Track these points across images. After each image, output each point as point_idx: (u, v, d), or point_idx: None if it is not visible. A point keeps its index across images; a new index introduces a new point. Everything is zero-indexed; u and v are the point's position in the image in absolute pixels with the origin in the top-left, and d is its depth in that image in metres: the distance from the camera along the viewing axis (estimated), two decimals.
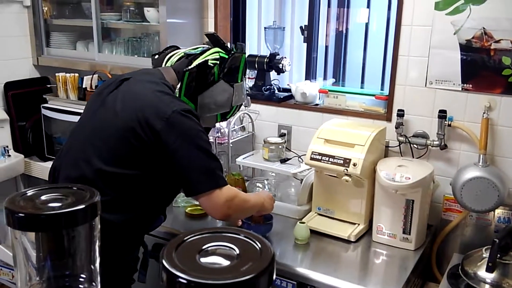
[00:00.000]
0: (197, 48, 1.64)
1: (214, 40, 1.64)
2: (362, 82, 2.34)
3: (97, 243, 0.65)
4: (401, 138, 1.97)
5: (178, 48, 1.71)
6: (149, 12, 2.37)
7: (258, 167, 2.16)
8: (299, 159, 2.10)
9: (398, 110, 1.96)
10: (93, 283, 0.66)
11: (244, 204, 1.58)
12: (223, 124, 2.17)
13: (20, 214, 0.58)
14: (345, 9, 2.33)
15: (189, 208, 2.04)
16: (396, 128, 1.97)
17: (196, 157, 1.41)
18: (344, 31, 2.36)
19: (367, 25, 2.30)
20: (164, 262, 0.47)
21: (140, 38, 2.54)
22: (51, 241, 0.63)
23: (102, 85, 1.64)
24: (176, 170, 1.42)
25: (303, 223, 1.81)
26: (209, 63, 1.53)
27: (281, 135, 2.27)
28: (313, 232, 1.83)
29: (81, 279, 0.65)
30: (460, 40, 1.84)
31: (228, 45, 1.69)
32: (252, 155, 2.21)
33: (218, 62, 1.56)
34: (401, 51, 1.96)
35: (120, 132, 1.40)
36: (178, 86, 1.52)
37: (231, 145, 2.19)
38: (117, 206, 1.42)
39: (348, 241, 1.81)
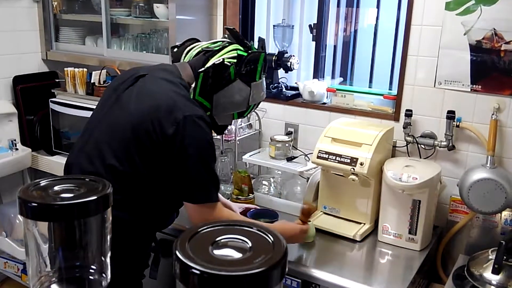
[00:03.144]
0: (216, 42, 1.60)
1: (234, 35, 1.60)
2: (370, 81, 2.34)
3: (109, 235, 0.65)
4: (408, 138, 1.97)
5: (198, 41, 1.68)
6: (159, 9, 2.37)
7: (264, 164, 2.16)
8: (306, 157, 2.10)
9: (406, 110, 1.96)
10: (103, 275, 0.66)
11: None
12: None
13: (33, 204, 0.59)
14: (355, 8, 2.33)
15: None
16: (404, 128, 1.96)
17: (197, 169, 1.41)
18: (353, 30, 2.35)
19: (376, 24, 2.29)
20: (177, 253, 0.47)
21: (148, 34, 2.55)
22: (63, 231, 0.63)
23: (117, 79, 1.61)
24: (176, 174, 1.43)
25: (309, 221, 1.81)
26: (225, 62, 1.49)
27: (288, 133, 2.27)
28: (319, 230, 1.83)
29: (91, 270, 0.66)
30: (470, 41, 1.83)
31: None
32: (259, 153, 2.21)
33: (235, 60, 1.52)
34: (411, 50, 1.96)
35: (133, 131, 1.40)
36: (193, 85, 1.50)
37: (238, 142, 2.19)
38: (129, 204, 1.43)
39: (353, 241, 1.81)
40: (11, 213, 2.45)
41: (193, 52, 1.61)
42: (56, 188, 0.63)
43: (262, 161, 2.13)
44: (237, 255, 0.49)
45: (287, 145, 2.12)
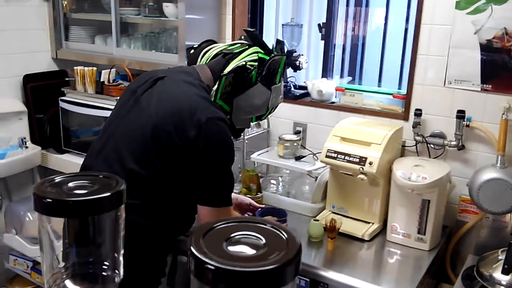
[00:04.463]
0: (235, 44, 1.57)
1: (253, 37, 1.57)
2: (380, 80, 2.33)
3: (122, 232, 0.66)
4: (418, 138, 1.96)
5: (214, 42, 1.65)
6: (168, 8, 2.38)
7: (273, 164, 2.16)
8: (314, 156, 2.10)
9: (416, 110, 1.95)
10: (116, 271, 0.67)
11: None
12: None
13: (48, 200, 0.59)
14: (364, 7, 2.32)
15: None
16: (413, 127, 1.96)
17: (218, 172, 1.39)
18: (362, 29, 2.35)
19: (385, 23, 2.28)
20: (192, 248, 0.48)
21: (158, 33, 2.56)
22: (77, 227, 0.64)
23: (135, 82, 1.58)
24: (195, 176, 1.41)
25: (317, 220, 1.81)
26: (247, 66, 1.47)
27: (297, 133, 2.27)
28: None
29: (104, 267, 0.66)
30: (480, 40, 1.82)
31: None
32: (267, 152, 2.21)
33: (256, 64, 1.49)
34: (420, 50, 1.95)
35: (154, 134, 1.38)
36: (215, 88, 1.47)
37: (246, 141, 2.19)
38: (149, 210, 1.42)
39: (362, 240, 1.81)
40: (20, 211, 2.47)
41: (211, 54, 1.58)
42: (70, 184, 0.63)
43: (271, 160, 2.13)
44: (251, 251, 0.49)
45: (295, 144, 2.12)
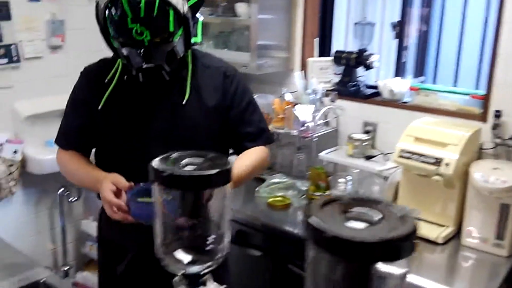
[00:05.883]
0: None
1: None
2: (455, 80, 2.27)
3: (229, 209, 0.69)
4: (497, 140, 1.89)
5: None
6: (241, 8, 2.44)
7: (342, 163, 2.16)
8: (385, 156, 2.07)
9: (496, 111, 1.88)
10: (221, 245, 0.70)
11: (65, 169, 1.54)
12: (308, 118, 2.18)
13: (167, 173, 0.64)
14: (440, 5, 2.27)
15: (270, 199, 2.08)
16: (492, 129, 1.89)
17: None
18: (438, 29, 2.30)
19: (462, 22, 2.22)
20: (310, 219, 0.50)
21: (229, 33, 2.62)
22: (190, 201, 0.68)
23: None
24: None
25: None
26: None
27: (366, 132, 2.25)
28: None
29: (210, 240, 0.70)
30: None
31: None
32: (336, 151, 2.21)
33: None
34: (501, 49, 1.87)
35: None
36: None
37: (315, 139, 2.20)
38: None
39: (435, 243, 1.76)
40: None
41: None
42: (183, 161, 0.68)
43: (342, 159, 2.13)
44: (367, 225, 0.51)
45: (365, 143, 2.10)
